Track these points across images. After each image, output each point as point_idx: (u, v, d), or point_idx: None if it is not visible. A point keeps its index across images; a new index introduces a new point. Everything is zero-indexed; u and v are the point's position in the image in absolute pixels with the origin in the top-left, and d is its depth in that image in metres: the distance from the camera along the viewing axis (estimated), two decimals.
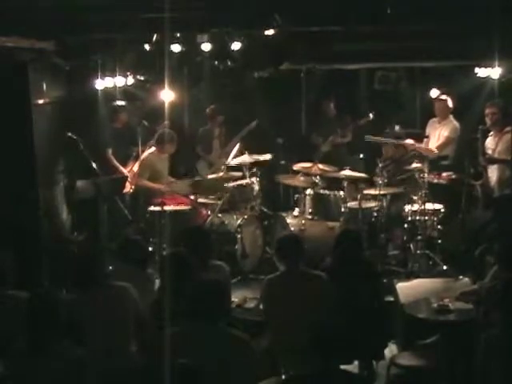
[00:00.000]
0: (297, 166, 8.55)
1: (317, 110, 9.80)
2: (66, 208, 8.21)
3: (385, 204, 7.91)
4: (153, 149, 8.43)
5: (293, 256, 5.35)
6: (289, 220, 8.15)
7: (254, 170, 8.55)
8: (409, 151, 8.29)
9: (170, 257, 5.13)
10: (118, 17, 6.54)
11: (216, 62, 8.14)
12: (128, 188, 8.65)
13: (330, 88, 9.69)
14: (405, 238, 7.87)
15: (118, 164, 8.85)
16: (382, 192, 7.82)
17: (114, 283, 4.87)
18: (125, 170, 8.78)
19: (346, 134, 9.65)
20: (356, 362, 5.47)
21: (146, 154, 8.45)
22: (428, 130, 8.82)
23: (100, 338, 4.57)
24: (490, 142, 7.93)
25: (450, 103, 8.64)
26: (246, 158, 8.41)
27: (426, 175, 7.68)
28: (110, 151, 8.89)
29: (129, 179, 8.64)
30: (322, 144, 9.47)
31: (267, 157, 8.72)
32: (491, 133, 7.92)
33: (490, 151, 7.88)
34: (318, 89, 9.95)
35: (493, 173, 7.84)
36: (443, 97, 8.70)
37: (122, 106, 9.05)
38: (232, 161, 8.72)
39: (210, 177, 8.62)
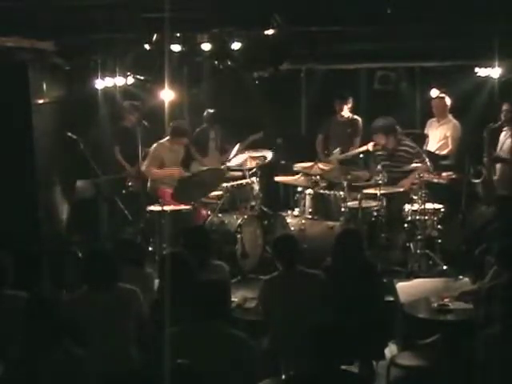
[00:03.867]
0: (297, 166, 8.55)
1: (325, 111, 9.54)
2: (65, 208, 8.22)
3: (385, 204, 7.91)
4: (165, 139, 8.45)
5: (290, 256, 5.36)
6: (289, 220, 8.15)
7: (254, 169, 8.55)
8: (399, 139, 8.25)
9: (169, 257, 5.13)
10: (118, 17, 6.54)
11: (216, 62, 8.12)
12: (134, 187, 8.70)
13: (342, 88, 9.47)
14: (405, 237, 7.87)
15: (124, 162, 8.88)
16: (381, 192, 7.82)
17: (123, 285, 4.86)
18: (131, 169, 8.80)
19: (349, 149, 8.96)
20: (356, 362, 5.46)
21: (155, 144, 8.47)
22: (426, 131, 8.83)
23: (101, 338, 4.58)
24: (501, 140, 7.93)
25: (448, 101, 8.66)
26: (247, 159, 8.42)
27: (425, 174, 7.69)
28: (117, 149, 8.92)
29: (134, 178, 8.68)
30: (324, 158, 9.01)
31: (268, 154, 8.69)
32: (505, 128, 7.91)
33: (498, 148, 7.91)
34: (317, 89, 9.93)
35: (498, 171, 7.86)
36: (440, 95, 8.72)
37: (133, 105, 9.06)
38: (233, 162, 8.67)
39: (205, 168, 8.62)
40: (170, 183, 8.15)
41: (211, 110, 9.41)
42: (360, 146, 8.90)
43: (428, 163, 7.73)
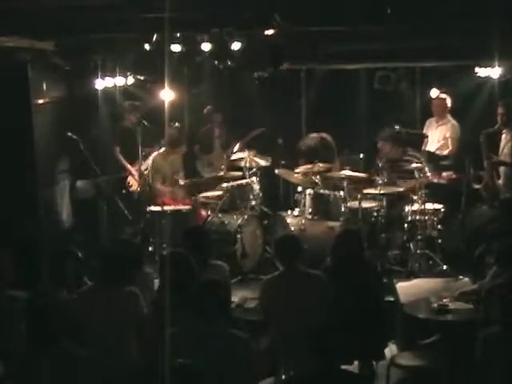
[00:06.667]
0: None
1: (324, 111, 9.59)
2: (66, 208, 8.22)
3: (385, 204, 7.91)
4: (162, 149, 8.42)
5: (291, 256, 5.35)
6: (289, 220, 8.14)
7: (254, 169, 8.55)
8: (405, 150, 8.29)
9: (169, 257, 5.13)
10: (118, 17, 6.54)
11: (216, 62, 8.13)
12: (135, 187, 8.69)
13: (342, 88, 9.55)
14: (405, 237, 7.87)
15: (125, 162, 8.88)
16: (381, 192, 7.82)
17: (123, 286, 4.87)
18: (132, 169, 8.79)
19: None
20: (356, 362, 5.47)
21: (154, 155, 8.45)
22: (425, 130, 8.82)
23: (101, 338, 4.58)
24: (502, 143, 7.91)
25: (449, 102, 8.66)
26: (246, 156, 8.44)
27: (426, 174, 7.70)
28: (117, 149, 8.92)
29: (136, 178, 8.66)
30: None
31: (266, 162, 8.72)
32: (504, 131, 7.90)
33: (500, 151, 7.89)
34: (317, 89, 9.93)
35: (503, 174, 7.83)
36: (442, 95, 8.72)
37: (133, 105, 9.05)
38: (232, 156, 8.68)
39: (207, 176, 8.63)
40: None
41: (209, 106, 9.43)
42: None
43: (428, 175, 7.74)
